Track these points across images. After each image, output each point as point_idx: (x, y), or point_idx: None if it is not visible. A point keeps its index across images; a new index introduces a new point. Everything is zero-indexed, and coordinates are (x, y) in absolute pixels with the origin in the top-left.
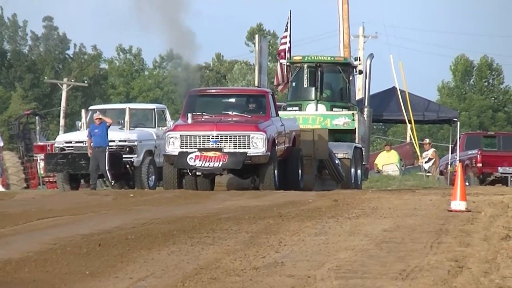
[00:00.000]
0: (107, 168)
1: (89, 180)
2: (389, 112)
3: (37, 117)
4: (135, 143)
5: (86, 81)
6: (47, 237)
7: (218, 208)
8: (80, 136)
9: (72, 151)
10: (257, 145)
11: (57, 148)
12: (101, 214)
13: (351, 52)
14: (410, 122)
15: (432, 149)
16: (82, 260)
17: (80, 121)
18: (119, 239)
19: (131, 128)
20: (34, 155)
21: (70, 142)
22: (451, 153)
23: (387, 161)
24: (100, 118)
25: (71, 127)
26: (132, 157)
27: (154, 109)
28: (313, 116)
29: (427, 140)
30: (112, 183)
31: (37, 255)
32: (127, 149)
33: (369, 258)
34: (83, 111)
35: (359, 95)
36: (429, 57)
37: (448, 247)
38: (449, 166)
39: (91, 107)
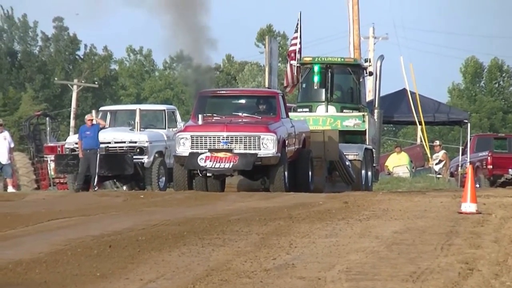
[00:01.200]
0: (97, 171)
1: (76, 182)
2: (399, 114)
3: (47, 118)
4: (146, 144)
5: (96, 82)
6: (58, 238)
7: (228, 209)
8: None
9: None
10: (268, 146)
11: (68, 149)
12: (112, 215)
13: (361, 53)
14: (420, 123)
15: (443, 151)
16: (92, 262)
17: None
18: (129, 241)
19: (141, 129)
20: (45, 156)
21: None
22: (462, 155)
23: (398, 163)
24: (92, 120)
25: None
26: (142, 158)
27: (164, 110)
28: (324, 117)
29: (437, 142)
30: (95, 189)
31: (47, 256)
32: (138, 150)
33: (380, 260)
34: (93, 112)
35: (369, 96)
36: (439, 59)
37: (459, 249)
38: (459, 168)
39: (101, 108)
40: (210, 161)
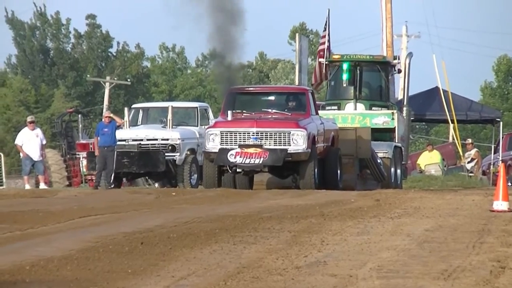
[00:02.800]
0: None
1: (94, 180)
2: (431, 112)
3: (79, 115)
4: (178, 142)
5: (129, 79)
6: (89, 235)
7: (260, 207)
8: (123, 134)
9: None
10: (298, 142)
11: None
12: (143, 213)
13: (394, 51)
14: (452, 121)
15: (475, 149)
16: (124, 259)
17: (123, 119)
18: (161, 238)
19: (173, 126)
20: (77, 153)
21: None
22: (494, 153)
23: (430, 161)
24: (110, 117)
25: None
26: (174, 156)
27: (196, 107)
28: (352, 115)
29: (469, 140)
30: (112, 186)
31: (79, 253)
32: (170, 147)
33: (411, 258)
34: (125, 109)
35: (401, 94)
36: (471, 57)
37: (490, 247)
38: (491, 166)
39: (133, 106)
40: (240, 157)
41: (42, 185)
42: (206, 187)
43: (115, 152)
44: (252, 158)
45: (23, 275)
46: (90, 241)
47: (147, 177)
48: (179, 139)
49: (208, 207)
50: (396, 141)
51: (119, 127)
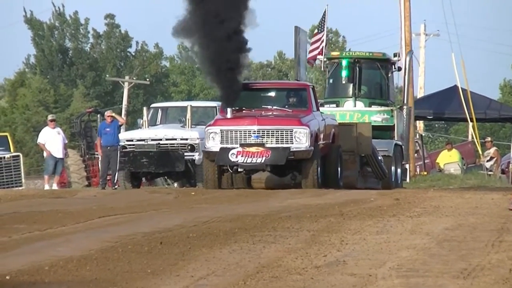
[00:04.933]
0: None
1: (100, 180)
2: (450, 110)
3: (98, 115)
4: (197, 141)
5: (147, 79)
6: (108, 235)
7: (279, 206)
8: (142, 134)
9: (133, 149)
10: (301, 140)
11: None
12: (163, 212)
13: (413, 50)
14: (471, 120)
15: (494, 148)
16: (143, 258)
17: (142, 119)
18: (180, 238)
19: (192, 126)
20: (96, 153)
21: (132, 140)
22: None
23: (449, 160)
24: (111, 116)
25: (132, 125)
26: (193, 155)
27: (215, 107)
28: (351, 112)
29: (488, 139)
30: (116, 187)
31: (98, 253)
32: (189, 147)
33: (431, 257)
34: (144, 109)
35: (420, 93)
36: (491, 56)
37: (510, 245)
38: (510, 165)
39: (152, 105)
40: (242, 156)
41: (54, 186)
42: (206, 187)
43: (119, 152)
44: (254, 157)
45: (42, 275)
46: (109, 241)
47: (166, 177)
48: (198, 138)
49: (227, 207)
50: (396, 139)
51: (121, 126)
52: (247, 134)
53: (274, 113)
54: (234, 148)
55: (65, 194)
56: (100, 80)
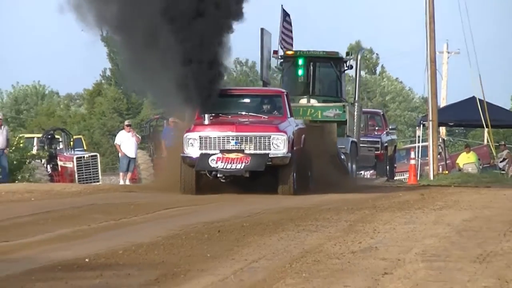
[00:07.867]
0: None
1: None
2: (469, 118)
3: (164, 121)
4: None
5: None
6: (173, 224)
7: (320, 200)
8: None
9: None
10: (278, 146)
11: None
12: (220, 205)
13: (436, 67)
14: (487, 126)
15: (506, 150)
16: (203, 245)
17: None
18: (235, 227)
19: None
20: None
21: None
22: None
23: (467, 161)
24: (175, 122)
25: None
26: None
27: None
28: (304, 107)
29: (502, 143)
30: None
31: (164, 240)
32: None
33: (451, 244)
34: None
35: (442, 103)
36: (504, 70)
37: None
38: None
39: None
40: (222, 162)
41: (127, 181)
42: (184, 192)
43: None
44: (234, 163)
45: (117, 258)
46: (174, 229)
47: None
48: None
49: (275, 201)
50: (347, 133)
51: None
52: (226, 140)
53: (250, 119)
54: (214, 154)
55: (136, 189)
56: None
